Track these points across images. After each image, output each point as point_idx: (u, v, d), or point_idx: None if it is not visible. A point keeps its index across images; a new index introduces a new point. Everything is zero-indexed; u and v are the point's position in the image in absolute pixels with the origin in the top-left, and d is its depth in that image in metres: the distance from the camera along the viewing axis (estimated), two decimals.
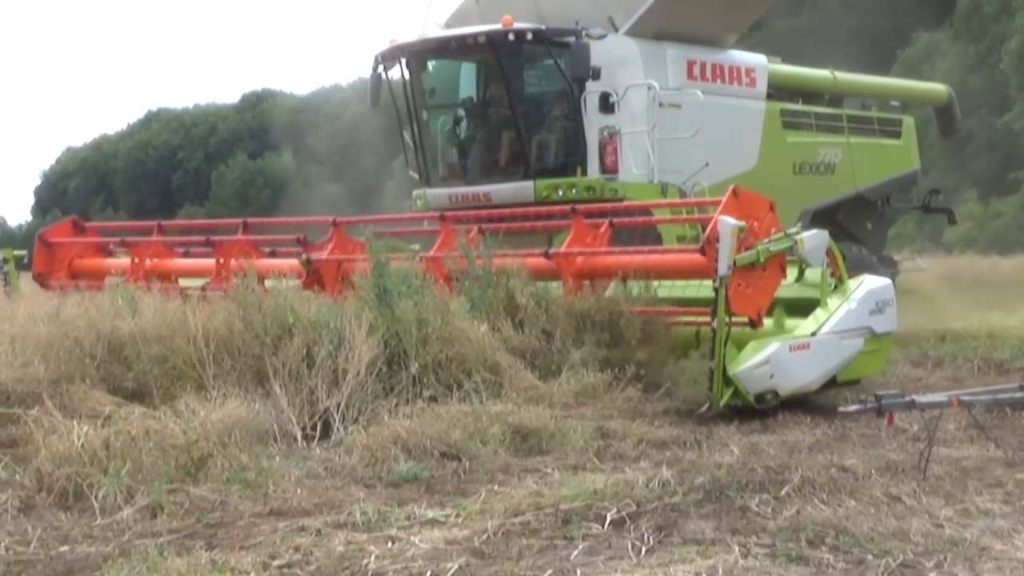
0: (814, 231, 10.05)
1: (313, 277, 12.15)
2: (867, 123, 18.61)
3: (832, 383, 10.02)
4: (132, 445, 6.73)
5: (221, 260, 13.04)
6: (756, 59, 16.80)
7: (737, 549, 5.31)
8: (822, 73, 18.78)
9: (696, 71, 15.48)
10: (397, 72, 15.72)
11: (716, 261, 9.18)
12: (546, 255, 10.96)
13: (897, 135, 19.13)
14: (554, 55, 14.42)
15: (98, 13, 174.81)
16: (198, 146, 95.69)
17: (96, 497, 6.33)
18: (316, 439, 8.24)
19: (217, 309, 9.60)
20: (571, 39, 14.21)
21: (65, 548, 5.69)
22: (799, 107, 17.49)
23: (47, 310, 9.85)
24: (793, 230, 9.91)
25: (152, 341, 9.16)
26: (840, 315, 9.91)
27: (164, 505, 6.28)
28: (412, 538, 5.63)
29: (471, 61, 15.58)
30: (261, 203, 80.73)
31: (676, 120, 14.50)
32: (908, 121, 19.51)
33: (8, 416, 7.86)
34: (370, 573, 5.14)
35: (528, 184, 14.38)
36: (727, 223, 9.16)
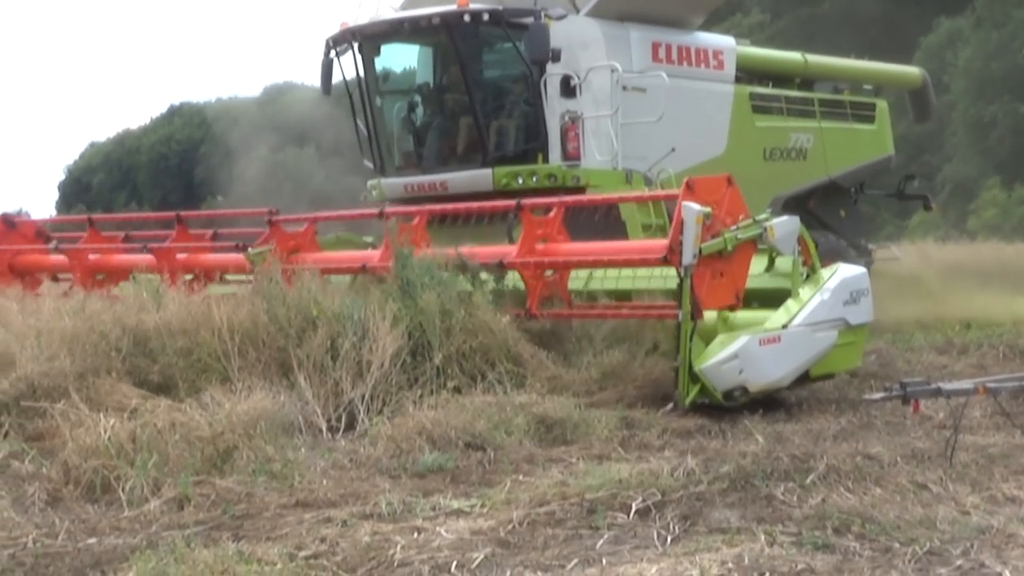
0: (784, 218, 9.68)
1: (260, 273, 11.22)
2: (839, 107, 18.09)
3: (805, 378, 9.51)
4: (158, 437, 6.77)
5: (162, 256, 12.57)
6: (724, 41, 16.31)
7: (763, 537, 5.30)
8: (792, 55, 18.21)
9: (661, 53, 14.91)
10: (351, 57, 15.08)
11: (680, 250, 8.86)
12: (500, 265, 10.25)
13: (871, 119, 18.60)
14: (512, 37, 13.78)
15: (120, 8, 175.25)
16: (220, 140, 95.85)
17: (123, 489, 6.38)
18: (341, 430, 8.27)
19: (242, 302, 9.63)
20: (530, 20, 13.53)
21: (93, 540, 5.72)
22: (769, 91, 16.94)
23: (72, 304, 9.90)
24: (762, 216, 9.53)
25: (177, 334, 9.19)
26: (813, 306, 9.39)
27: (191, 497, 6.31)
28: (438, 528, 5.64)
29: (426, 44, 15.07)
30: (283, 197, 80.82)
31: (641, 104, 13.93)
32: (882, 105, 19.00)
33: (35, 409, 7.89)
34: (396, 563, 5.15)
35: (486, 172, 13.79)
36: (691, 209, 8.85)
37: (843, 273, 9.78)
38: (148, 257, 12.69)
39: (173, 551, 5.22)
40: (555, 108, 13.87)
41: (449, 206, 12.13)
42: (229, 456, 6.88)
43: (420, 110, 15.11)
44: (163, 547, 5.38)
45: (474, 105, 14.06)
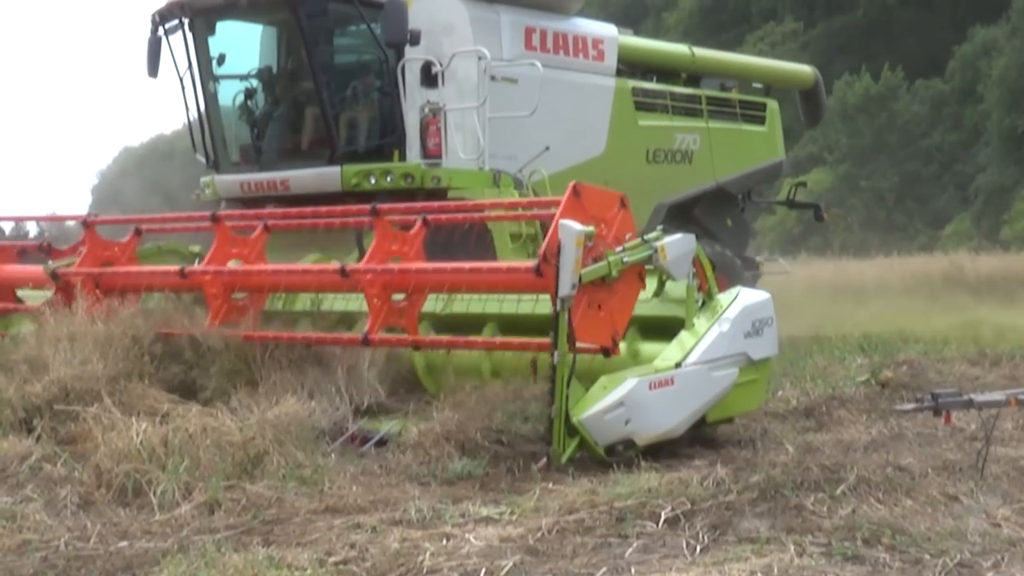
0: (678, 236, 8.16)
1: (63, 291, 10.20)
2: (728, 106, 16.49)
3: (701, 424, 8.19)
4: (190, 442, 6.81)
5: None
6: (605, 29, 14.77)
7: (792, 548, 5.28)
8: (679, 48, 16.85)
9: (535, 40, 13.41)
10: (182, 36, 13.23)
11: (557, 278, 7.35)
12: (342, 272, 8.71)
13: (760, 120, 16.99)
14: (366, 17, 12.18)
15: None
16: None
17: (154, 493, 6.42)
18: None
19: None
20: None
21: (124, 544, 5.76)
22: (654, 86, 15.40)
23: (103, 308, 9.94)
24: (653, 235, 8.06)
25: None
26: (710, 340, 8.05)
27: (221, 502, 6.34)
28: (467, 535, 5.65)
29: (268, 23, 13.42)
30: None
31: (512, 96, 12.43)
32: (772, 105, 17.32)
33: (67, 413, 7.94)
34: (425, 570, 5.16)
35: (334, 170, 12.16)
36: (570, 229, 7.35)
37: (744, 300, 8.40)
38: None
39: (204, 555, 5.25)
40: (415, 99, 12.29)
41: (293, 211, 10.31)
42: (260, 461, 6.91)
43: (260, 98, 13.47)
44: (194, 551, 5.42)
45: (321, 93, 12.39)
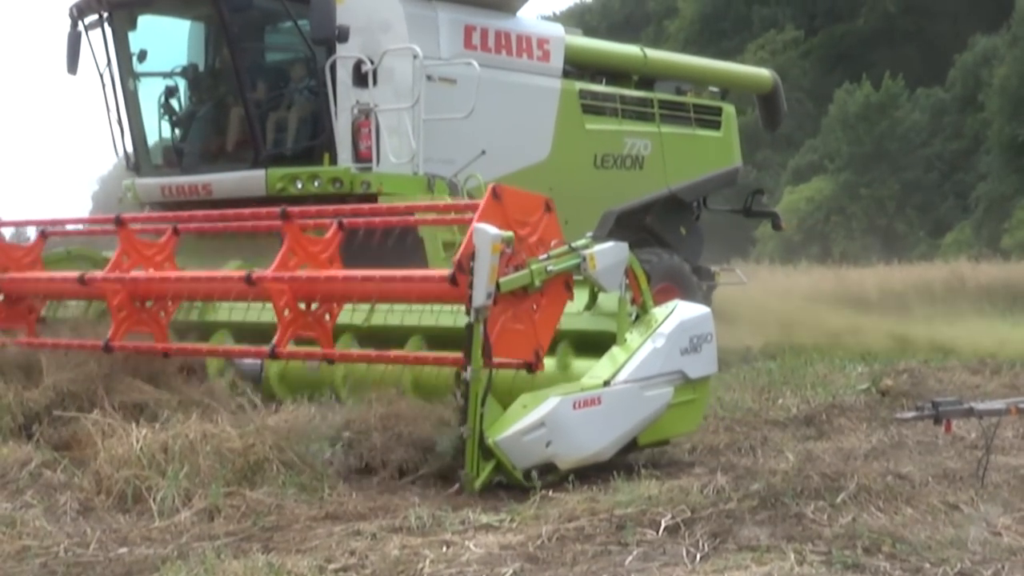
0: (610, 244, 7.74)
1: None
2: (682, 110, 15.81)
3: (632, 447, 7.68)
4: (189, 449, 6.79)
5: None
6: (551, 29, 14.33)
7: (792, 556, 5.28)
8: (630, 49, 16.07)
9: (475, 39, 12.82)
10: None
11: (470, 287, 6.87)
12: (248, 280, 8.14)
13: (716, 125, 16.32)
14: (293, 13, 11.64)
15: None
16: None
17: (154, 500, 6.41)
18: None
19: None
20: None
21: (124, 550, 5.75)
22: (602, 88, 14.76)
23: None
24: (581, 243, 7.59)
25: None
26: (642, 357, 7.55)
27: (221, 508, 6.33)
28: (467, 543, 5.64)
29: (189, 17, 12.82)
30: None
31: (450, 98, 11.84)
32: (728, 110, 16.63)
33: (65, 417, 7.91)
34: None
35: (258, 174, 11.54)
36: (486, 234, 6.87)
37: (681, 314, 7.89)
38: None
39: (203, 562, 5.25)
40: (346, 100, 11.61)
41: (200, 214, 9.68)
42: (260, 468, 6.90)
43: (184, 97, 12.82)
44: (193, 558, 5.41)
45: (244, 93, 11.77)
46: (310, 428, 7.44)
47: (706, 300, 15.06)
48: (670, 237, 15.42)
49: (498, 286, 6.88)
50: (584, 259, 7.43)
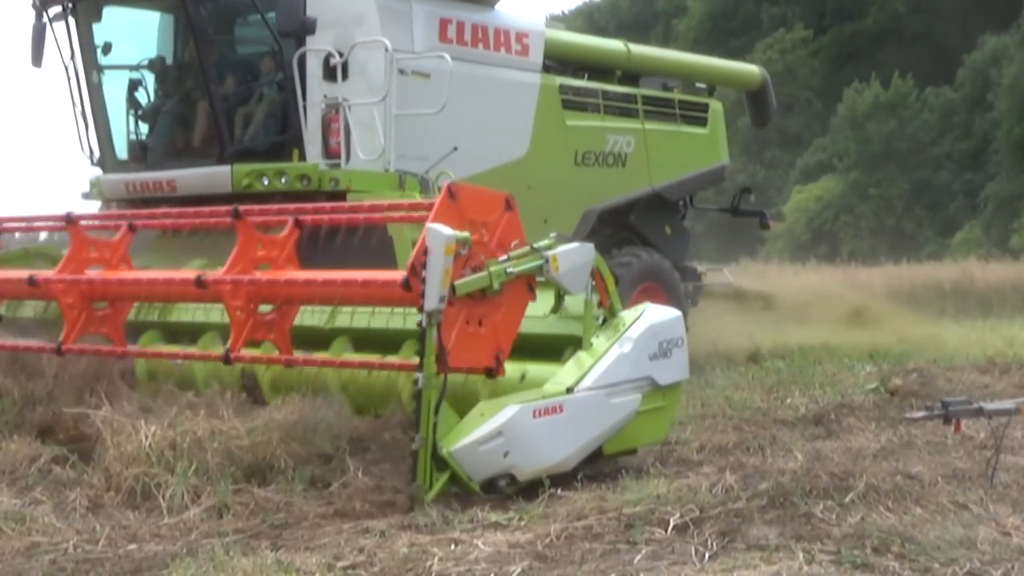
0: (574, 245, 7.43)
1: None
2: (667, 107, 15.43)
3: (596, 456, 7.35)
4: (197, 446, 6.80)
5: None
6: (530, 22, 13.71)
7: (801, 556, 5.27)
8: (613, 44, 15.63)
9: (451, 32, 12.42)
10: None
11: (423, 290, 6.52)
12: (198, 283, 7.76)
13: (702, 122, 15.92)
14: (260, 4, 11.30)
15: None
16: None
17: (163, 497, 6.42)
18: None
19: None
20: None
21: (133, 547, 5.78)
22: (583, 83, 14.38)
23: None
24: (544, 243, 7.23)
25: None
26: (608, 362, 7.23)
27: (230, 505, 6.36)
28: (475, 541, 5.64)
29: (155, 9, 12.45)
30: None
31: (424, 92, 11.43)
32: (715, 106, 16.23)
33: (74, 413, 7.91)
34: (433, 575, 5.16)
35: (224, 170, 11.17)
36: (439, 234, 6.53)
37: (650, 317, 7.56)
38: None
39: (212, 559, 5.27)
40: (316, 94, 11.25)
41: (152, 211, 9.50)
42: (268, 465, 6.90)
43: (150, 92, 12.42)
44: (202, 555, 5.43)
45: (209, 86, 11.39)
46: (318, 420, 7.38)
47: (692, 301, 15.17)
48: (654, 236, 15.12)
49: (453, 289, 6.58)
50: (546, 260, 7.12)
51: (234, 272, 7.63)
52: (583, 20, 68.07)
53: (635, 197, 14.82)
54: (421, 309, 6.49)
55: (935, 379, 11.79)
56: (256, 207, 8.26)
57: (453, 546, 5.58)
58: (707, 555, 5.38)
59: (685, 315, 13.84)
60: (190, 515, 6.24)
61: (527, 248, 7.13)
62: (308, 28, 10.99)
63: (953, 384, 11.42)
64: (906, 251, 37.28)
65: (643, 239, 14.87)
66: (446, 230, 6.54)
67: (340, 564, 5.30)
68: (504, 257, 6.98)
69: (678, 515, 5.94)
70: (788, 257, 40.68)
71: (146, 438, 6.80)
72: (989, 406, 7.48)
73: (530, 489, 6.82)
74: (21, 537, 5.89)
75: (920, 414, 7.32)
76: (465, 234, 6.66)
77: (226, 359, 7.64)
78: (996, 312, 25.10)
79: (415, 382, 6.51)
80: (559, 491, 6.69)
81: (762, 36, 60.12)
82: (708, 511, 6.04)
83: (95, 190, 12.44)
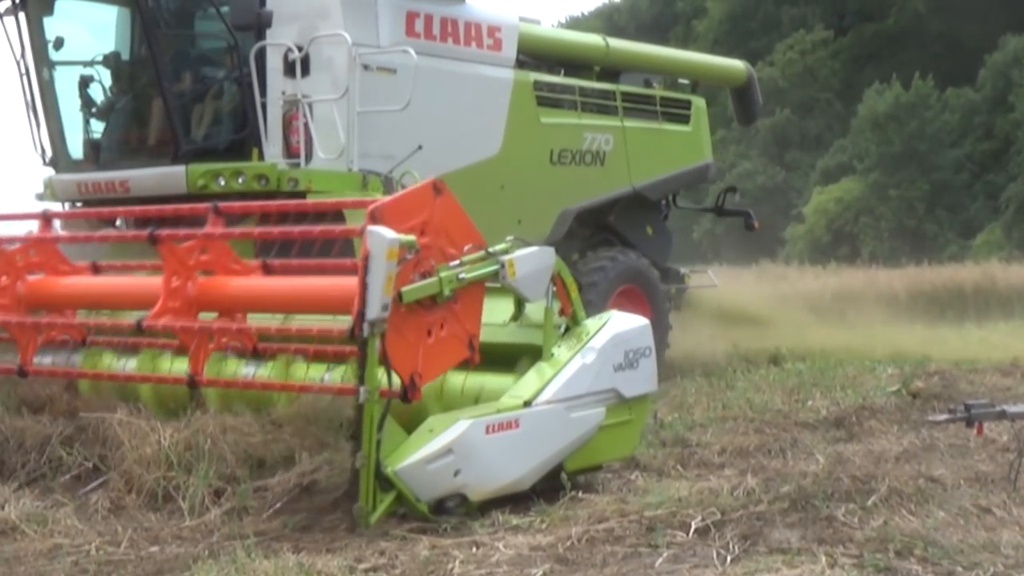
0: (532, 249, 6.97)
1: None
2: (647, 103, 14.93)
3: (557, 473, 6.84)
4: (213, 445, 6.74)
5: None
6: (503, 16, 13.09)
7: (824, 559, 5.25)
8: (591, 39, 15.08)
9: (419, 26, 11.85)
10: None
11: (364, 298, 6.04)
12: (138, 329, 7.25)
13: (685, 119, 15.41)
14: None
15: None
16: None
17: (184, 498, 6.42)
18: None
19: None
20: None
21: (155, 548, 5.79)
22: (559, 80, 13.88)
23: None
24: (500, 247, 6.81)
25: None
26: (569, 374, 6.80)
27: (249, 508, 6.34)
28: (496, 544, 5.64)
29: (108, 2, 11.90)
30: None
31: (390, 89, 10.91)
32: (699, 103, 15.69)
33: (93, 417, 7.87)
34: None
35: (178, 170, 10.62)
36: (381, 237, 6.04)
37: (615, 326, 7.14)
38: None
39: (234, 561, 5.27)
40: (277, 91, 10.74)
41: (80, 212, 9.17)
42: (285, 460, 6.83)
43: (103, 88, 11.82)
44: (224, 557, 5.44)
45: (161, 83, 10.82)
46: (332, 411, 7.24)
47: (676, 303, 14.87)
48: (635, 237, 14.66)
49: (400, 296, 6.16)
50: (502, 265, 6.70)
51: (167, 318, 7.11)
52: (602, 21, 68.11)
53: (614, 197, 14.42)
54: (360, 319, 6.03)
55: (957, 381, 11.77)
56: (166, 233, 7.37)
57: (474, 549, 5.58)
58: (729, 558, 5.36)
59: (668, 318, 13.89)
60: (211, 517, 6.24)
61: (482, 253, 6.72)
62: (264, 21, 10.50)
63: (975, 387, 11.39)
64: (927, 253, 37.14)
65: (623, 240, 14.48)
66: (389, 233, 6.07)
67: (361, 567, 5.31)
68: (456, 262, 6.57)
69: (699, 518, 5.93)
70: (808, 259, 40.57)
71: (163, 440, 6.76)
72: (1012, 409, 7.45)
73: (551, 492, 6.81)
74: (43, 539, 5.91)
75: (943, 417, 7.29)
76: (411, 237, 6.22)
77: (191, 383, 7.26)
78: (1018, 314, 24.99)
79: (356, 397, 6.05)
80: (580, 494, 6.68)
81: (782, 37, 60.04)
82: (729, 514, 6.02)
83: (48, 191, 11.90)
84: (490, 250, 6.74)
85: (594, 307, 9.59)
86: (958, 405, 7.31)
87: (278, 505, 6.39)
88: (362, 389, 6.01)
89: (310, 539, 5.88)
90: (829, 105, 58.39)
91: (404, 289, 6.17)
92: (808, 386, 11.73)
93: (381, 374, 6.09)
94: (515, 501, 6.58)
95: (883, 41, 58.60)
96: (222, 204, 7.41)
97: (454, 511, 6.26)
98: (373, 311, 5.98)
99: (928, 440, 8.77)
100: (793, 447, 8.45)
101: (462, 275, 6.51)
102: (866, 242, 49.22)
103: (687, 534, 5.75)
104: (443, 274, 6.41)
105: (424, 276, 6.35)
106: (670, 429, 9.26)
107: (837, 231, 50.59)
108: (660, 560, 5.36)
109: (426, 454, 6.18)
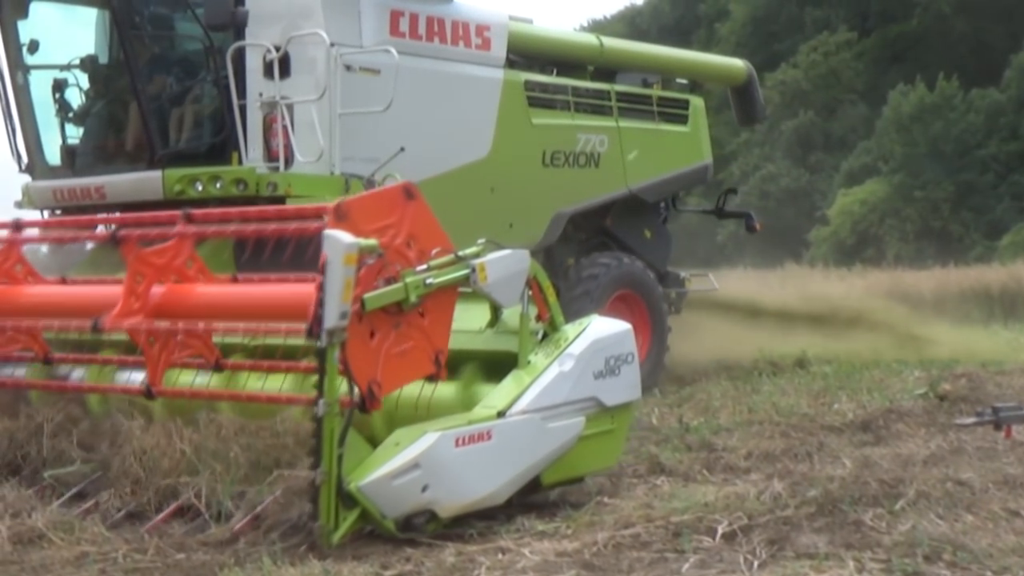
0: (505, 253, 6.59)
1: None
2: (643, 103, 14.56)
3: (535, 487, 6.64)
4: (225, 448, 6.69)
5: None
6: (492, 15, 12.71)
7: (852, 564, 5.22)
8: (584, 38, 14.91)
9: (403, 25, 11.52)
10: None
11: (320, 306, 5.71)
12: (94, 329, 6.77)
13: (683, 120, 15.03)
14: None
15: None
16: None
17: (208, 505, 6.41)
18: None
19: None
20: None
21: (181, 556, 5.79)
22: (551, 79, 13.56)
23: None
24: (471, 251, 6.50)
25: None
26: (546, 382, 6.49)
27: (275, 523, 6.31)
28: (522, 550, 5.63)
29: (82, 4, 11.70)
30: None
31: (374, 90, 10.61)
32: (697, 103, 15.30)
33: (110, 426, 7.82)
34: None
35: (155, 176, 10.40)
36: (338, 242, 5.72)
37: (595, 331, 6.84)
38: None
39: (260, 568, 5.29)
40: (256, 93, 10.51)
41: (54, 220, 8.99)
42: (300, 456, 6.73)
43: (79, 93, 11.61)
44: (250, 564, 5.45)
45: (135, 86, 10.58)
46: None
47: (676, 308, 14.61)
48: (632, 240, 14.34)
49: (363, 303, 5.86)
50: (473, 270, 6.36)
51: (129, 318, 6.72)
52: (624, 24, 68.04)
53: (610, 199, 14.07)
54: (318, 328, 5.70)
55: (984, 384, 11.69)
56: (137, 232, 7.07)
57: (500, 555, 5.57)
58: (756, 564, 5.34)
59: (666, 322, 13.65)
60: (236, 524, 6.23)
61: (451, 256, 6.39)
62: (239, 21, 10.23)
63: (1003, 389, 11.32)
64: (953, 254, 36.97)
65: (620, 243, 14.18)
66: (346, 237, 5.74)
67: (387, 573, 5.31)
68: (423, 267, 6.23)
69: (726, 523, 5.90)
70: (833, 262, 40.45)
71: (179, 442, 6.70)
72: None
73: (577, 497, 6.81)
74: (70, 547, 5.92)
75: (970, 420, 7.28)
76: (372, 241, 5.89)
77: (149, 394, 6.99)
78: None
79: (315, 409, 5.77)
80: (605, 499, 6.68)
81: (806, 39, 59.87)
82: (756, 519, 6.00)
83: (26, 199, 11.68)
84: (459, 254, 6.43)
85: (589, 313, 9.41)
86: (986, 408, 7.31)
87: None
88: (321, 402, 5.72)
89: (336, 546, 5.88)
90: (853, 107, 58.19)
91: (367, 296, 5.87)
92: (834, 389, 11.70)
93: (341, 385, 5.83)
94: (540, 507, 6.59)
95: (907, 42, 58.39)
96: (195, 211, 7.11)
97: (423, 528, 6.00)
98: (331, 319, 5.66)
99: (956, 443, 8.70)
100: (819, 451, 8.41)
101: (429, 280, 6.19)
102: (891, 244, 49.00)
103: (714, 539, 5.73)
104: (409, 279, 6.09)
105: (389, 282, 6.05)
106: (696, 433, 9.25)
107: (862, 233, 50.37)
108: (687, 566, 5.33)
109: (391, 469, 5.86)
